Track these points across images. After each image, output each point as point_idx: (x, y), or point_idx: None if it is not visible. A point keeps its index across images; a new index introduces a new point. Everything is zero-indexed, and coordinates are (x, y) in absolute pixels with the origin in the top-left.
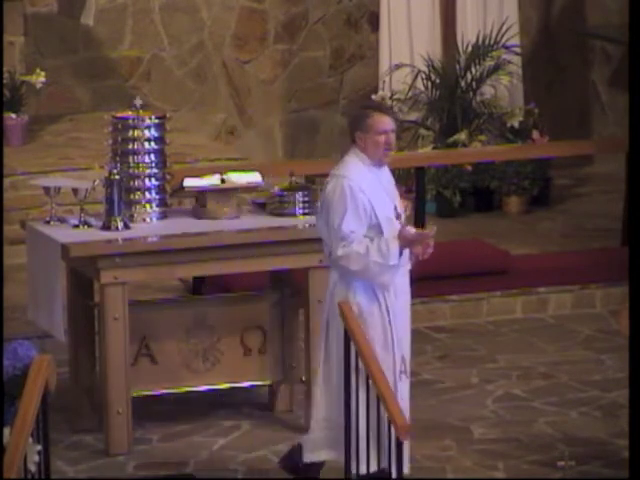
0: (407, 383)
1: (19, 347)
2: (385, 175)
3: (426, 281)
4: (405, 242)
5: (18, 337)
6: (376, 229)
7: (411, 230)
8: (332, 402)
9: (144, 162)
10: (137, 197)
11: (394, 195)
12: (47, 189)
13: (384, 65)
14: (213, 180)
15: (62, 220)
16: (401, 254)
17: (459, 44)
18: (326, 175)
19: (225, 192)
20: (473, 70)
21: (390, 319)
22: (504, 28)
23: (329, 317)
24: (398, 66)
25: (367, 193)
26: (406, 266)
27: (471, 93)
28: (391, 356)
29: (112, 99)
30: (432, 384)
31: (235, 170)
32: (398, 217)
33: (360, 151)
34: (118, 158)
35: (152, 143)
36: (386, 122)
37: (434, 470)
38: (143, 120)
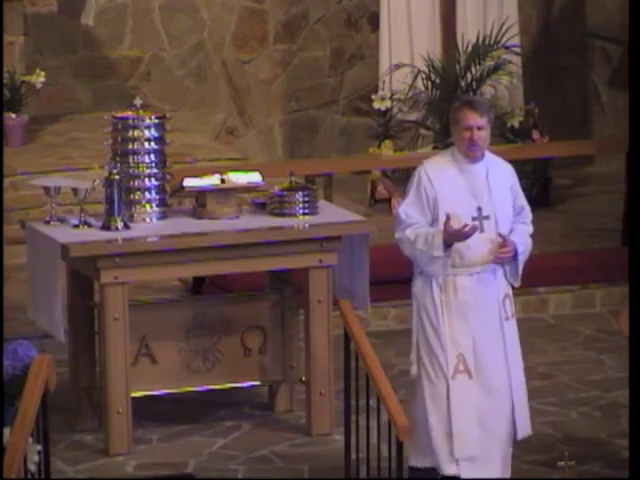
0: (468, 383)
1: (19, 347)
2: (479, 172)
3: None
4: (447, 236)
5: (18, 337)
6: (437, 224)
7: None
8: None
9: (144, 162)
10: (137, 197)
11: (488, 195)
12: (47, 189)
13: (384, 65)
14: (213, 180)
15: (62, 220)
16: (448, 247)
17: (459, 44)
18: (326, 175)
19: (225, 192)
20: (473, 70)
21: (443, 315)
22: (504, 28)
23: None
24: (398, 66)
25: (436, 185)
26: (474, 267)
27: (471, 93)
28: (444, 352)
29: (112, 99)
30: None
31: (235, 170)
32: (483, 219)
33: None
34: (118, 158)
35: (152, 143)
36: (472, 118)
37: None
38: (143, 120)
